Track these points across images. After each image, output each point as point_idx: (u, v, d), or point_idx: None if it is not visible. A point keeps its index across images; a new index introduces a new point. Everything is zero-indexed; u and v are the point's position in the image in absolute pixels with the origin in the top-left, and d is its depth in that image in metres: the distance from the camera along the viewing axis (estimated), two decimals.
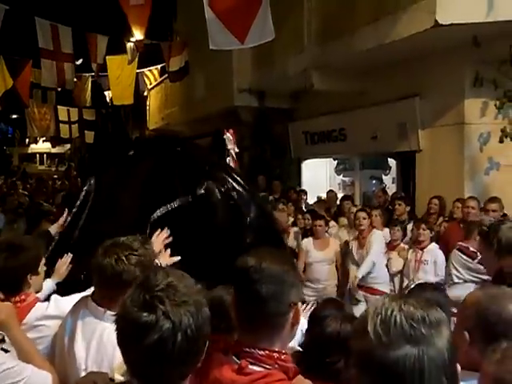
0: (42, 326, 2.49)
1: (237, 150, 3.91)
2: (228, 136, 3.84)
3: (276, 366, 1.55)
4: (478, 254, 4.91)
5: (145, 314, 1.26)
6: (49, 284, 3.27)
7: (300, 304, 1.64)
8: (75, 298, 2.58)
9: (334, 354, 2.02)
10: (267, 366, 1.55)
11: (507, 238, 2.76)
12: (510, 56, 6.59)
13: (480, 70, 7.16)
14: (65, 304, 2.53)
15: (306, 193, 10.03)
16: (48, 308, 2.56)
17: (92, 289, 2.36)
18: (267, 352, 1.56)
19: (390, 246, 6.54)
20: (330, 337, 2.08)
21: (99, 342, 2.14)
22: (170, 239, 3.09)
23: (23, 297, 2.57)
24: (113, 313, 1.45)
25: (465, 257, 5.47)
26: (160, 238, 3.04)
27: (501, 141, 7.16)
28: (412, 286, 2.61)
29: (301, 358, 1.97)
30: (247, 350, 1.57)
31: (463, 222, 6.10)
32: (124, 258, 2.17)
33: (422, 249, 6.00)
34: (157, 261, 2.64)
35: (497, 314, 1.67)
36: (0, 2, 9.49)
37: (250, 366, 1.54)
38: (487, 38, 6.69)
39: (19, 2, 10.76)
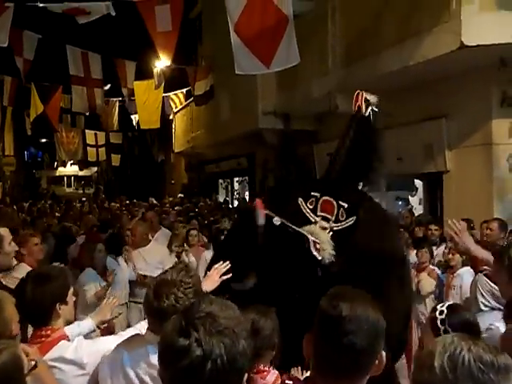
0: (56, 369, 2.40)
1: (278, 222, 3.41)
2: (259, 212, 3.29)
3: None
4: None
5: (180, 339, 1.29)
6: (88, 323, 3.11)
7: (383, 353, 1.54)
8: (101, 342, 2.55)
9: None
10: None
11: None
12: None
13: (507, 89, 7.11)
14: (86, 348, 2.45)
15: None
16: (68, 350, 2.46)
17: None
18: None
19: (419, 268, 6.44)
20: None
21: None
22: (229, 275, 2.94)
23: (49, 332, 2.50)
24: None
25: (491, 283, 5.27)
26: (218, 271, 2.97)
27: None
28: (444, 308, 2.55)
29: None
30: None
31: (490, 244, 5.98)
32: (183, 296, 2.13)
33: (452, 273, 5.89)
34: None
35: None
36: (33, 31, 9.81)
37: None
38: None
39: (51, 30, 11.12)
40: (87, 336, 2.94)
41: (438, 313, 2.49)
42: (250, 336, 1.38)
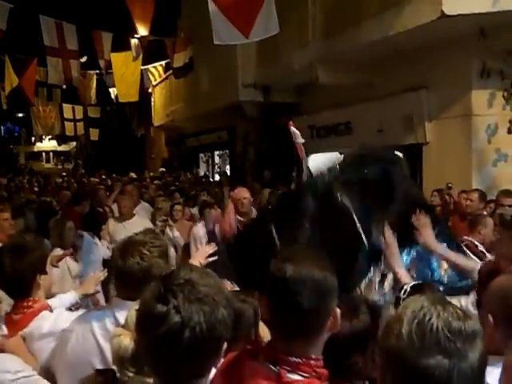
0: (37, 340, 2.39)
1: (302, 141, 3.81)
2: (293, 129, 3.74)
3: (313, 373, 1.49)
4: (487, 254, 4.83)
5: (158, 306, 1.27)
6: (70, 296, 3.09)
7: (338, 309, 1.55)
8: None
9: (351, 355, 1.90)
10: (305, 374, 1.48)
11: None
12: None
13: (487, 60, 7.11)
14: (67, 319, 2.41)
15: None
16: (48, 320, 2.45)
17: None
18: (304, 360, 1.49)
19: None
20: (343, 339, 1.90)
21: None
22: (215, 258, 2.94)
23: (31, 303, 2.49)
24: None
25: (473, 256, 5.28)
26: (205, 251, 2.98)
27: (509, 132, 7.13)
28: (408, 287, 2.54)
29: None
30: (284, 357, 1.49)
31: (467, 214, 6.04)
32: (148, 253, 2.11)
33: None
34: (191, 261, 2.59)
35: None
36: (4, 1, 9.48)
37: (288, 374, 1.47)
38: (494, 28, 6.64)
39: (23, 0, 10.78)
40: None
41: (402, 292, 2.50)
42: (229, 305, 1.35)
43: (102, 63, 13.59)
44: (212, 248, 3.01)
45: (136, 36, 12.62)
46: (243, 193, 5.40)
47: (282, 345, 1.52)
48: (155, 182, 13.89)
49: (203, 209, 6.87)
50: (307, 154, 4.11)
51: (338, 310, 1.54)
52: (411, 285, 2.57)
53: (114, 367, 1.64)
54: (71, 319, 2.35)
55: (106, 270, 3.37)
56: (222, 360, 1.57)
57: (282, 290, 1.49)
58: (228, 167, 17.26)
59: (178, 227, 7.08)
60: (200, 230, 6.43)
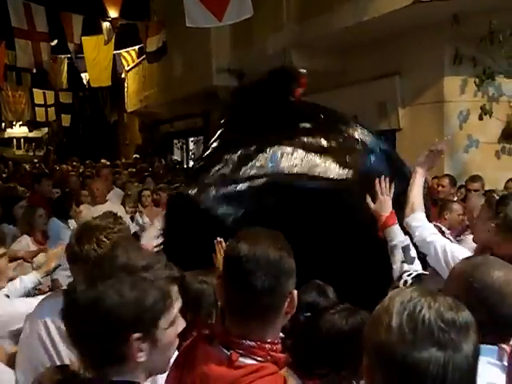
0: None
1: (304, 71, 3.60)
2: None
3: (268, 357, 1.44)
4: (452, 238, 4.87)
5: (87, 292, 1.25)
6: (31, 277, 3.03)
7: (295, 291, 1.49)
8: (17, 303, 2.50)
9: (326, 363, 1.79)
10: (259, 358, 1.43)
11: None
12: (489, 33, 6.56)
13: (459, 47, 7.13)
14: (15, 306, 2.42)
15: None
16: None
17: None
18: (259, 343, 1.44)
19: None
20: (324, 340, 1.82)
21: None
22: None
23: None
24: None
25: None
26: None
27: (480, 118, 7.18)
28: (410, 278, 2.46)
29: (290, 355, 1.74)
30: (237, 340, 1.45)
31: (439, 200, 6.10)
32: (105, 240, 2.05)
33: None
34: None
35: (481, 280, 1.65)
36: None
37: (241, 359, 1.43)
38: (466, 14, 6.66)
39: None
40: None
41: (401, 282, 2.43)
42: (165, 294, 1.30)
43: (71, 47, 13.30)
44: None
45: (107, 19, 12.36)
46: None
47: (236, 328, 1.47)
48: (129, 169, 13.74)
49: None
50: None
51: (296, 293, 1.49)
52: (414, 275, 2.45)
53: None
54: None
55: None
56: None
57: (236, 270, 1.45)
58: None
59: (147, 213, 6.99)
60: None
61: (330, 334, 1.82)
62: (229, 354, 1.44)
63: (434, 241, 2.75)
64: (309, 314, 2.04)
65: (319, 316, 1.91)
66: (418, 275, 2.48)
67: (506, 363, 1.48)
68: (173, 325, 1.33)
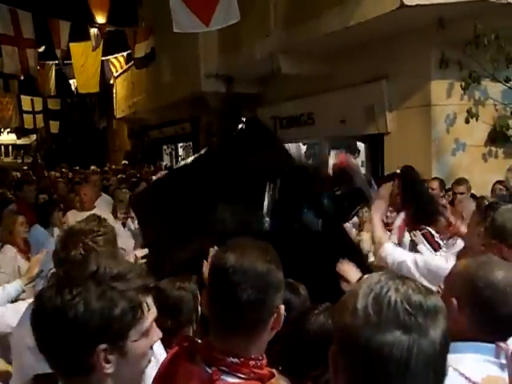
0: None
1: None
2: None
3: (252, 374, 1.39)
4: (441, 244, 4.88)
5: (55, 300, 1.22)
6: (14, 285, 2.99)
7: (282, 306, 1.44)
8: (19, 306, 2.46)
9: (320, 363, 1.75)
10: (243, 376, 1.38)
11: (502, 220, 2.66)
12: (474, 37, 6.61)
13: (445, 51, 7.18)
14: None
15: None
16: None
17: None
18: (243, 360, 1.38)
19: (360, 228, 6.54)
20: (314, 342, 1.80)
21: None
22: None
23: None
24: None
25: (428, 246, 5.28)
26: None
27: (467, 121, 7.22)
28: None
29: (280, 362, 1.73)
30: (220, 356, 1.38)
31: None
32: (92, 243, 2.04)
33: (389, 231, 6.01)
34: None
35: (485, 278, 1.64)
36: None
37: (223, 376, 1.37)
38: (452, 18, 6.72)
39: None
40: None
41: None
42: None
43: (58, 53, 13.21)
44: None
45: (95, 25, 12.32)
46: None
47: (220, 343, 1.41)
48: (119, 175, 13.66)
49: None
50: None
51: (283, 307, 1.44)
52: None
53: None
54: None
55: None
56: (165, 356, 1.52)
57: (222, 281, 1.40)
58: None
59: None
60: None
61: (319, 335, 1.80)
62: (211, 371, 1.38)
63: (405, 260, 2.93)
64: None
65: (304, 319, 1.89)
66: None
67: (503, 361, 1.49)
68: (145, 336, 1.27)
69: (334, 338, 1.07)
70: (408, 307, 0.98)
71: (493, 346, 1.58)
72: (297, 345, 1.82)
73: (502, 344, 1.58)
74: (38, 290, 1.25)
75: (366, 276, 1.12)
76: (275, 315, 1.42)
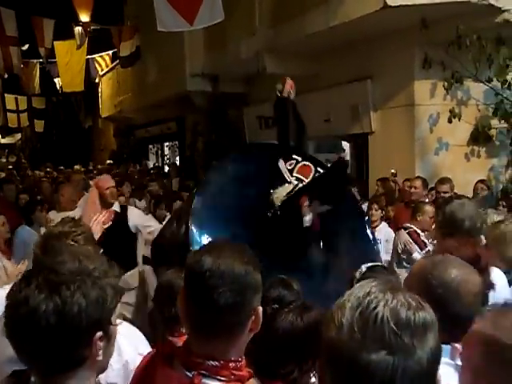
0: None
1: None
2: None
3: (232, 376, 1.39)
4: (427, 242, 4.92)
5: (19, 293, 1.27)
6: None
7: (260, 308, 1.43)
8: None
9: (289, 362, 1.79)
10: (223, 378, 1.38)
11: (451, 211, 2.71)
12: (456, 37, 6.67)
13: (429, 51, 7.23)
14: None
15: None
16: None
17: None
18: (222, 362, 1.38)
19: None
20: (284, 340, 1.82)
21: None
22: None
23: None
24: None
25: (414, 245, 5.27)
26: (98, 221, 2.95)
27: (449, 121, 7.28)
28: (363, 270, 2.52)
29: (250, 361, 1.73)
30: (199, 360, 1.38)
31: (412, 202, 6.17)
32: (74, 243, 2.06)
33: (373, 228, 6.05)
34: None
35: (439, 277, 1.67)
36: None
37: (204, 380, 1.37)
38: (435, 19, 6.76)
39: None
40: None
41: (357, 273, 2.48)
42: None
43: (42, 51, 13.09)
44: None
45: (79, 23, 12.24)
46: (109, 182, 5.18)
47: (198, 346, 1.40)
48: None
49: (156, 203, 6.75)
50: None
51: (261, 309, 1.44)
52: (368, 265, 2.50)
53: None
54: None
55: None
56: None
57: (198, 284, 1.38)
58: (178, 158, 17.06)
59: None
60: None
61: (288, 333, 1.82)
62: (191, 376, 1.38)
63: None
64: (276, 306, 2.02)
65: (273, 318, 1.89)
66: (375, 266, 2.57)
67: (458, 362, 1.48)
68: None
69: (322, 352, 1.05)
70: (394, 327, 0.96)
71: (448, 347, 1.57)
72: (266, 343, 1.81)
73: (456, 345, 1.56)
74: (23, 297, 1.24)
75: (359, 284, 1.09)
76: (253, 317, 1.41)
